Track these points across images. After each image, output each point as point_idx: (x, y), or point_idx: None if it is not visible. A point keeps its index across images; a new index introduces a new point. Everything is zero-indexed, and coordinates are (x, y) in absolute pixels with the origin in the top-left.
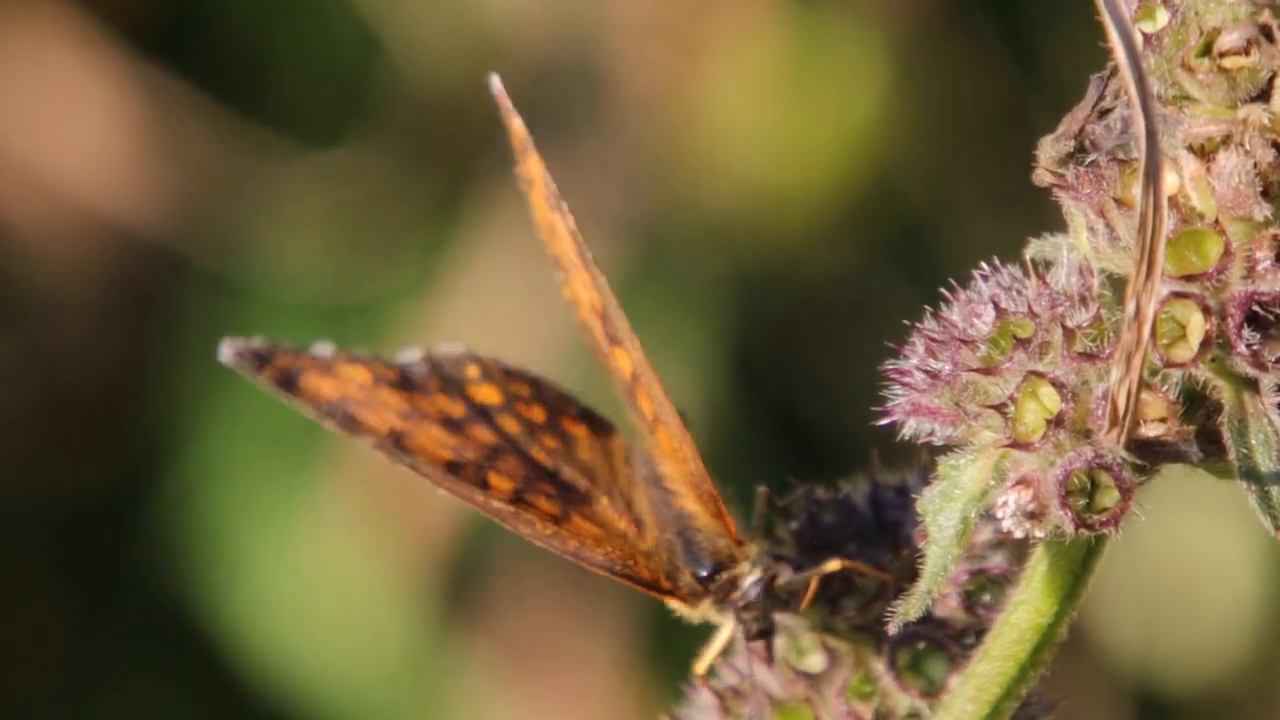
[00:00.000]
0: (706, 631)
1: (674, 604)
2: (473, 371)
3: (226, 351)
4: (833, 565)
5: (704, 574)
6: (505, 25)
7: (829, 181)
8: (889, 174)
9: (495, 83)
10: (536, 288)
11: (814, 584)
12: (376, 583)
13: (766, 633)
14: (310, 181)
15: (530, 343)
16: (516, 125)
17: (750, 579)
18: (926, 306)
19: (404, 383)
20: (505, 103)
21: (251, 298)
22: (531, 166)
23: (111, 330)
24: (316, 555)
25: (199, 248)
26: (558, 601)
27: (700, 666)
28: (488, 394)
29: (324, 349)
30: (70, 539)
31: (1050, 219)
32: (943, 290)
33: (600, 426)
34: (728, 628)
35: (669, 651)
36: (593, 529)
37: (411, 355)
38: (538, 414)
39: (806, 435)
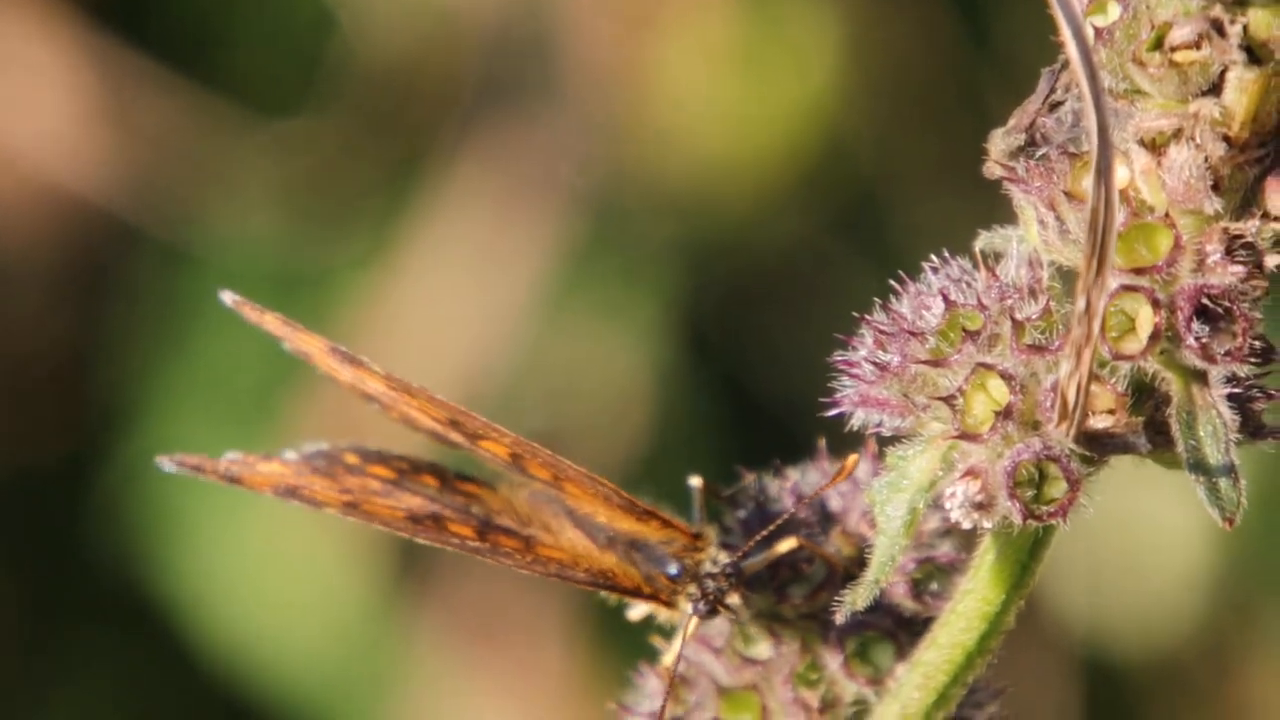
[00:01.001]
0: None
1: (657, 608)
2: (353, 459)
3: (168, 465)
4: (786, 545)
5: (674, 572)
6: None
7: (780, 152)
8: (840, 145)
9: None
10: (487, 258)
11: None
12: (328, 556)
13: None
14: (264, 152)
15: (480, 313)
16: (270, 320)
17: (724, 561)
18: (875, 299)
19: (316, 470)
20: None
21: (205, 268)
22: (303, 341)
23: (65, 301)
24: (269, 528)
25: (153, 218)
26: (507, 577)
27: (668, 659)
28: (382, 472)
29: (235, 456)
30: (22, 511)
31: (1000, 193)
32: (892, 281)
33: (484, 483)
34: (692, 621)
35: (617, 625)
36: (561, 553)
37: (300, 451)
38: (431, 481)
39: (757, 404)
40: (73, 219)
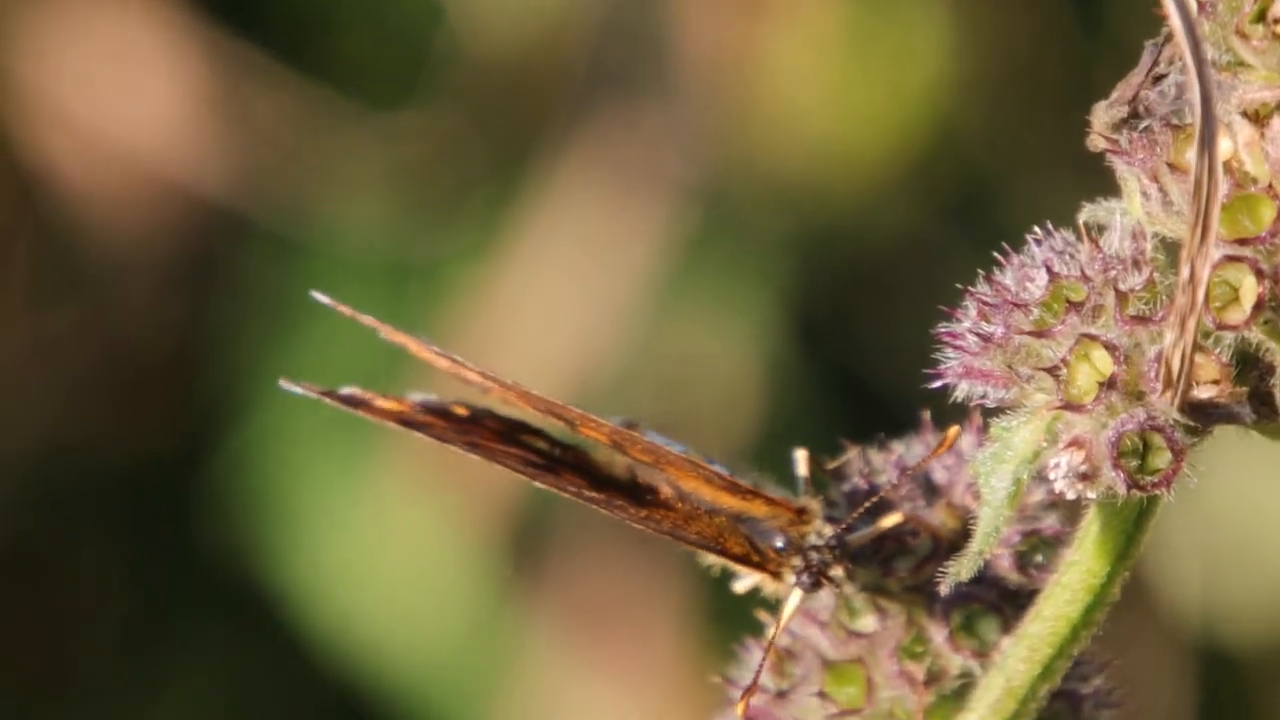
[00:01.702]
0: (761, 596)
1: (763, 580)
2: (463, 410)
3: (292, 386)
4: (892, 520)
5: (780, 545)
6: None
7: (890, 142)
8: (950, 135)
9: None
10: (597, 249)
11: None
12: (439, 546)
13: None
14: (373, 143)
15: (590, 304)
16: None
17: (828, 533)
18: (980, 270)
19: (431, 412)
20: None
21: (314, 259)
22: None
23: (175, 293)
24: (379, 518)
25: (263, 209)
26: (619, 566)
27: (774, 632)
28: (491, 424)
29: (354, 390)
30: (133, 501)
31: (1111, 180)
32: (996, 254)
33: (588, 451)
34: (796, 596)
35: (726, 615)
36: (672, 513)
37: (413, 398)
38: (538, 441)
39: (866, 395)
40: (183, 210)
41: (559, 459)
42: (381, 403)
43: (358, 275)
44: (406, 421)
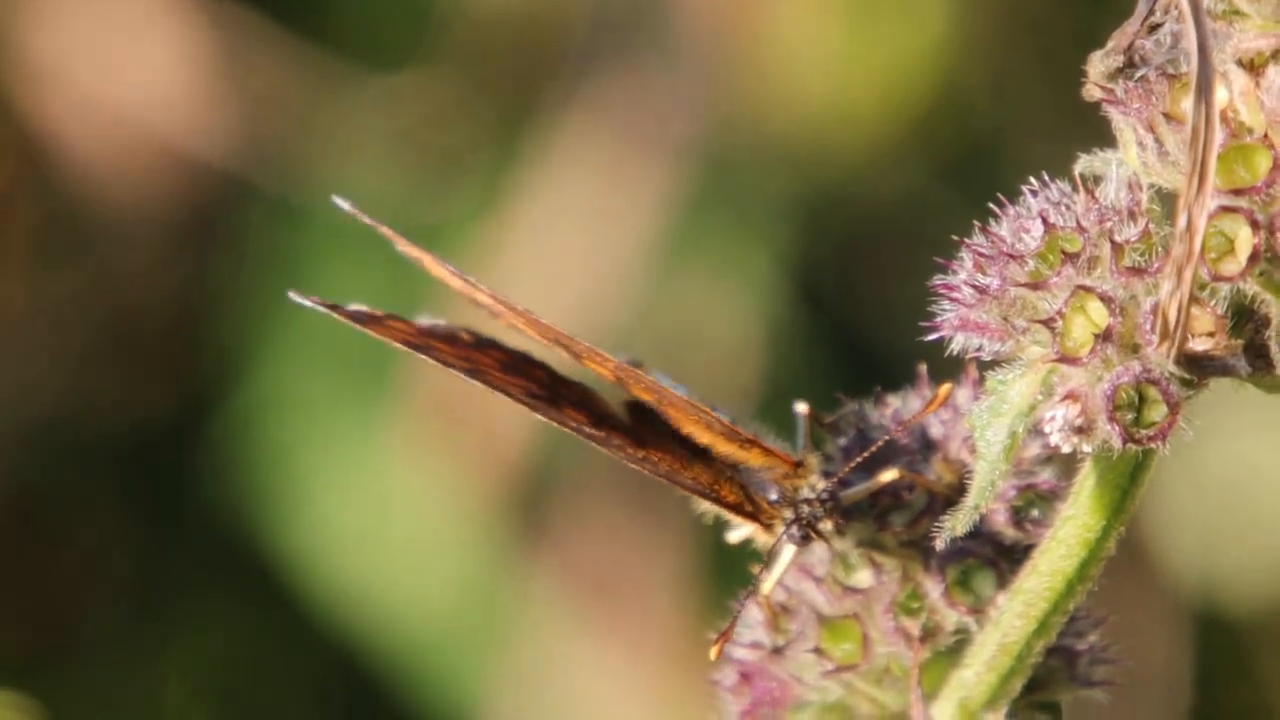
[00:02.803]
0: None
1: (756, 531)
2: (469, 336)
3: (303, 300)
4: (888, 476)
5: (774, 498)
6: None
7: (892, 102)
8: (953, 94)
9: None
10: (599, 211)
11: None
12: (442, 509)
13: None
14: (373, 106)
15: (592, 266)
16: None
17: (821, 487)
18: (975, 222)
19: (437, 336)
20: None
21: (316, 222)
22: (413, 250)
23: (177, 257)
24: (382, 480)
25: (264, 172)
26: (621, 528)
27: (765, 587)
28: (496, 354)
29: (363, 306)
30: (136, 465)
31: (1113, 140)
32: (992, 206)
33: (591, 389)
34: (789, 551)
35: (727, 577)
36: (670, 456)
37: (419, 321)
38: (541, 375)
39: (868, 356)
40: (185, 174)
41: (561, 394)
42: (390, 322)
43: (359, 239)
44: (412, 343)
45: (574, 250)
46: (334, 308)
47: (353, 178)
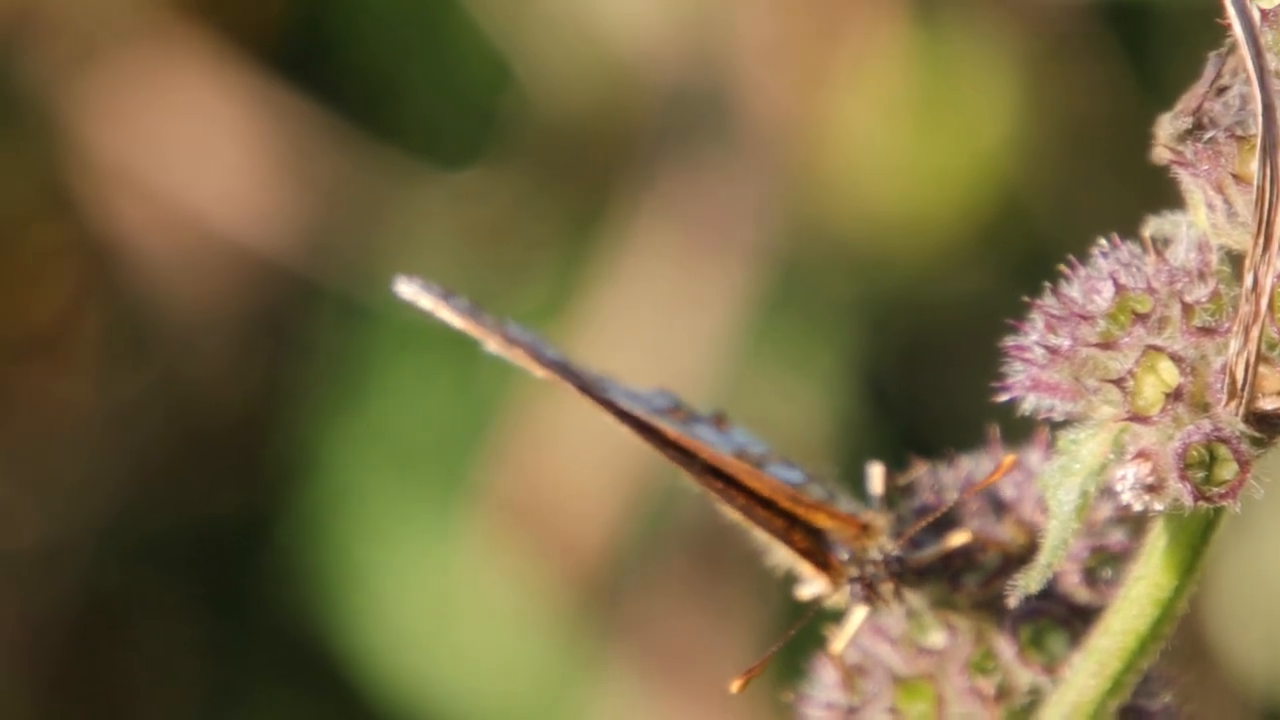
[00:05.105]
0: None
1: (824, 584)
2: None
3: (406, 288)
4: (960, 538)
5: (845, 557)
6: (632, 51)
7: (958, 205)
8: (1018, 197)
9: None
10: (666, 311)
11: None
12: (512, 606)
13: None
14: (441, 204)
15: (664, 364)
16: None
17: (889, 549)
18: (1046, 283)
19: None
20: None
21: (383, 322)
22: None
23: (244, 356)
24: (453, 578)
25: (332, 272)
26: (693, 615)
27: (837, 645)
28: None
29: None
30: (204, 565)
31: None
32: (1062, 267)
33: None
34: (860, 611)
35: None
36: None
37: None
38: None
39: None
40: (253, 273)
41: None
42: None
43: (427, 339)
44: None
45: (643, 349)
46: (439, 297)
47: (420, 277)
